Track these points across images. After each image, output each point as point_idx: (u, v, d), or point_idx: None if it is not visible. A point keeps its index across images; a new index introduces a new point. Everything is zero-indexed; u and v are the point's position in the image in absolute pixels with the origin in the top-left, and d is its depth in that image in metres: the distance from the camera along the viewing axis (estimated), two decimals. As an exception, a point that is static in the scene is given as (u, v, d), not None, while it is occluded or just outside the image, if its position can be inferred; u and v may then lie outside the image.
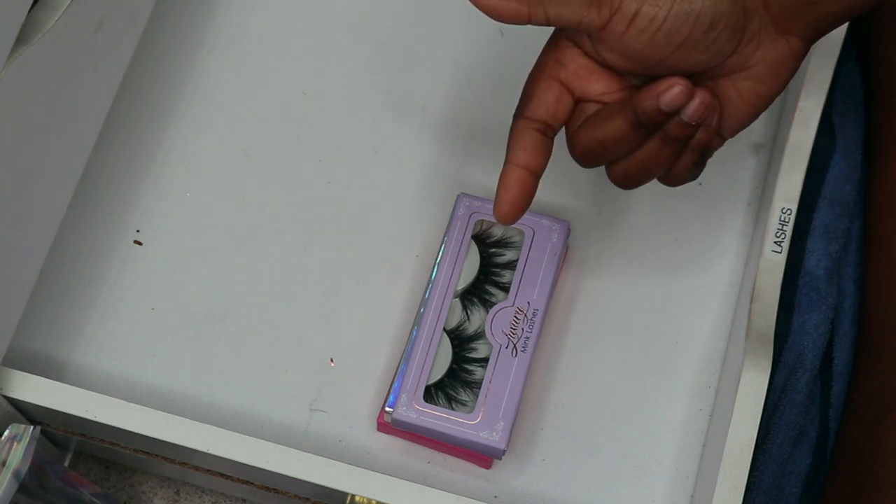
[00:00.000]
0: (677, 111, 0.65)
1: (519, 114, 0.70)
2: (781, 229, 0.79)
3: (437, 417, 0.75)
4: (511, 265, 0.80)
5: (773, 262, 0.78)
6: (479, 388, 0.76)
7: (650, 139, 0.67)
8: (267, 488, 0.77)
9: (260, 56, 0.88)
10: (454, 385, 0.77)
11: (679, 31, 0.65)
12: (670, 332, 0.82)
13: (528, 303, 0.78)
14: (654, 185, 0.85)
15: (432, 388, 0.77)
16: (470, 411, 0.76)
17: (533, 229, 0.80)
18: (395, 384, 0.77)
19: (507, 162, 0.69)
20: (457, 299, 0.79)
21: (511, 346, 0.77)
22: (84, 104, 0.74)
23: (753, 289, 0.77)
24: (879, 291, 0.82)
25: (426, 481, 0.77)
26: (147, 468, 0.85)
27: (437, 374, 0.77)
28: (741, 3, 0.65)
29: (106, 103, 0.77)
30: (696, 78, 0.67)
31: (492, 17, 0.67)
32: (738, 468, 0.73)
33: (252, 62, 0.88)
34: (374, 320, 0.81)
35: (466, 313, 0.79)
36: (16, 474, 0.70)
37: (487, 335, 0.78)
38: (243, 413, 0.79)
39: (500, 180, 0.69)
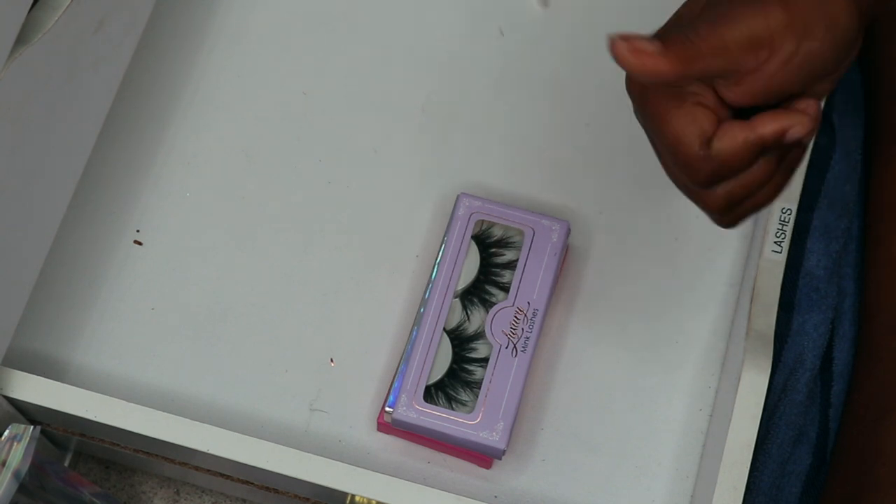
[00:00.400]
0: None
1: (702, 151, 0.62)
2: (781, 229, 0.79)
3: (437, 417, 0.75)
4: (511, 265, 0.80)
5: (773, 262, 0.78)
6: (479, 388, 0.76)
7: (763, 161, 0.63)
8: (267, 488, 0.77)
9: (260, 56, 0.88)
10: (454, 385, 0.77)
11: (828, 60, 0.61)
12: (670, 332, 0.82)
13: (528, 303, 0.78)
14: (653, 185, 0.85)
15: (432, 388, 0.77)
16: (470, 411, 0.76)
17: (533, 229, 0.80)
18: (395, 384, 0.77)
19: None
20: (457, 299, 0.79)
21: (511, 346, 0.77)
22: (84, 104, 0.74)
23: (753, 289, 0.77)
24: (879, 291, 0.82)
25: (426, 481, 0.77)
26: (147, 468, 0.85)
27: (437, 374, 0.77)
28: (860, 9, 0.61)
29: (106, 103, 0.77)
30: None
31: (637, 77, 0.61)
32: (738, 468, 0.73)
33: (252, 62, 0.88)
34: (374, 320, 0.81)
35: (466, 313, 0.79)
36: (16, 474, 0.70)
37: (487, 335, 0.78)
38: (243, 413, 0.79)
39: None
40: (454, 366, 0.77)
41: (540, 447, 0.79)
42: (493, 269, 0.80)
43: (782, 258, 0.78)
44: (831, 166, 0.85)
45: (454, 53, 0.88)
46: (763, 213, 0.82)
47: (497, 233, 0.80)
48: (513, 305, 0.78)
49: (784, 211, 0.79)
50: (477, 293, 0.79)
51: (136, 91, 0.85)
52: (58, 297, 0.81)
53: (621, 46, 0.59)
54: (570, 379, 0.81)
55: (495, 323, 0.78)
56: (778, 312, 0.78)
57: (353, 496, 0.73)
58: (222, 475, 0.77)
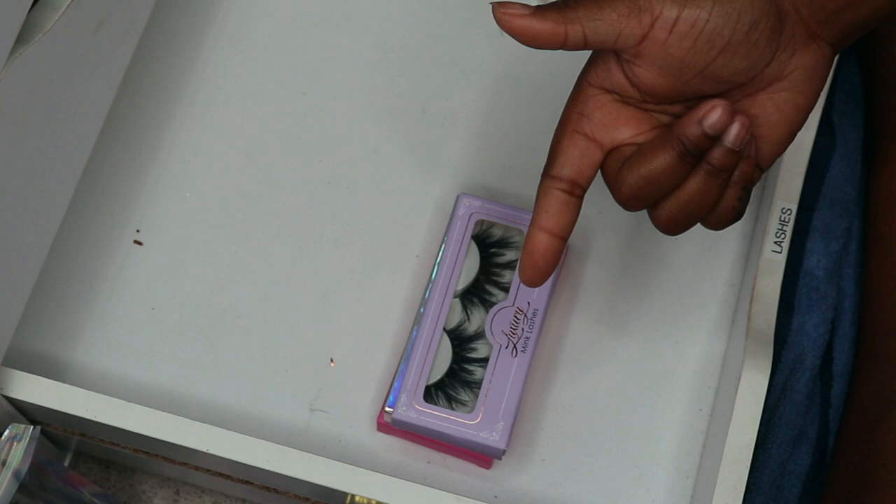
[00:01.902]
0: (720, 135, 0.63)
1: (545, 173, 0.67)
2: (781, 229, 0.79)
3: (437, 417, 0.75)
4: (511, 265, 0.80)
5: (773, 262, 0.78)
6: (479, 388, 0.76)
7: (695, 175, 0.65)
8: (267, 488, 0.77)
9: (260, 56, 0.88)
10: (454, 385, 0.77)
11: (721, 33, 0.62)
12: (670, 332, 0.82)
13: (528, 303, 0.78)
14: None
15: (432, 388, 0.77)
16: (470, 411, 0.76)
17: (533, 229, 0.80)
18: (395, 384, 0.77)
19: (531, 224, 0.67)
20: (457, 299, 0.79)
21: (511, 346, 0.77)
22: (84, 104, 0.74)
23: (753, 289, 0.77)
24: (879, 291, 0.82)
25: (426, 481, 0.77)
26: (147, 468, 0.85)
27: (437, 374, 0.77)
28: (776, 4, 0.63)
29: (106, 103, 0.77)
30: (734, 96, 0.65)
31: (525, 43, 0.65)
32: (738, 468, 0.73)
33: (252, 62, 0.88)
34: (374, 320, 0.81)
35: (466, 313, 0.79)
36: (16, 474, 0.70)
37: (487, 335, 0.78)
38: (243, 413, 0.79)
39: (524, 244, 0.67)
40: (454, 366, 0.77)
41: (540, 447, 0.79)
42: (493, 269, 0.80)
43: (782, 258, 0.78)
44: (831, 166, 0.85)
45: (454, 53, 0.88)
46: (763, 212, 0.82)
47: (497, 233, 0.80)
48: (513, 305, 0.78)
49: (784, 211, 0.79)
50: (477, 293, 0.79)
51: (136, 91, 0.85)
52: (58, 297, 0.81)
53: (498, 10, 0.64)
54: (570, 379, 0.81)
55: (495, 323, 0.78)
56: (778, 312, 0.78)
57: (353, 496, 0.73)
58: (222, 475, 0.77)
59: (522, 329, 0.78)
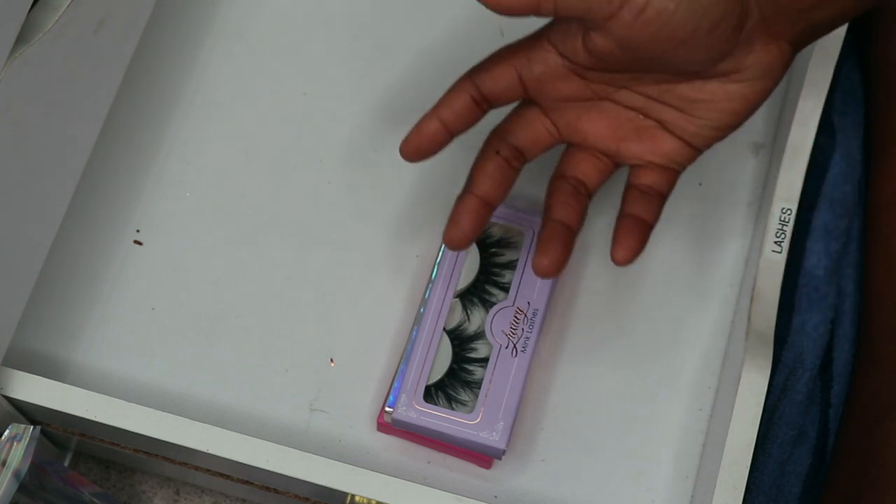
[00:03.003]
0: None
1: (466, 74, 0.72)
2: (781, 229, 0.79)
3: (437, 417, 0.75)
4: (511, 265, 0.80)
5: (773, 262, 0.78)
6: (479, 388, 0.76)
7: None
8: (267, 488, 0.77)
9: (260, 56, 0.88)
10: (454, 385, 0.77)
11: (685, 27, 0.64)
12: (670, 332, 0.82)
13: (528, 303, 0.78)
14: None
15: (432, 388, 0.77)
16: (470, 411, 0.76)
17: (533, 229, 0.80)
18: (395, 384, 0.77)
19: (431, 111, 0.72)
20: (457, 299, 0.79)
21: (511, 346, 0.77)
22: (84, 104, 0.74)
23: (753, 289, 0.77)
24: (879, 291, 0.82)
25: (426, 481, 0.77)
26: (147, 468, 0.85)
27: (437, 373, 0.77)
28: (742, 3, 0.65)
29: (106, 103, 0.77)
30: (685, 79, 0.67)
31: (498, 12, 0.66)
32: (738, 468, 0.73)
33: (252, 62, 0.88)
34: (374, 320, 0.81)
35: (466, 313, 0.79)
36: (16, 474, 0.70)
37: (487, 335, 0.78)
38: (243, 413, 0.79)
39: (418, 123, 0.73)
40: (454, 366, 0.77)
41: (540, 447, 0.79)
42: (493, 269, 0.80)
43: (782, 258, 0.78)
44: (831, 166, 0.85)
45: (454, 54, 0.88)
46: (763, 212, 0.82)
47: (497, 233, 0.80)
48: (513, 305, 0.78)
49: (784, 211, 0.79)
50: (477, 293, 0.79)
51: (136, 91, 0.85)
52: (58, 297, 0.81)
53: None
54: (569, 379, 0.81)
55: (495, 323, 0.78)
56: (778, 312, 0.78)
57: (353, 496, 0.73)
58: (222, 475, 0.77)
59: (522, 329, 0.78)
